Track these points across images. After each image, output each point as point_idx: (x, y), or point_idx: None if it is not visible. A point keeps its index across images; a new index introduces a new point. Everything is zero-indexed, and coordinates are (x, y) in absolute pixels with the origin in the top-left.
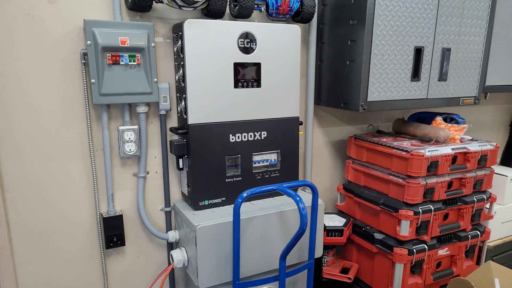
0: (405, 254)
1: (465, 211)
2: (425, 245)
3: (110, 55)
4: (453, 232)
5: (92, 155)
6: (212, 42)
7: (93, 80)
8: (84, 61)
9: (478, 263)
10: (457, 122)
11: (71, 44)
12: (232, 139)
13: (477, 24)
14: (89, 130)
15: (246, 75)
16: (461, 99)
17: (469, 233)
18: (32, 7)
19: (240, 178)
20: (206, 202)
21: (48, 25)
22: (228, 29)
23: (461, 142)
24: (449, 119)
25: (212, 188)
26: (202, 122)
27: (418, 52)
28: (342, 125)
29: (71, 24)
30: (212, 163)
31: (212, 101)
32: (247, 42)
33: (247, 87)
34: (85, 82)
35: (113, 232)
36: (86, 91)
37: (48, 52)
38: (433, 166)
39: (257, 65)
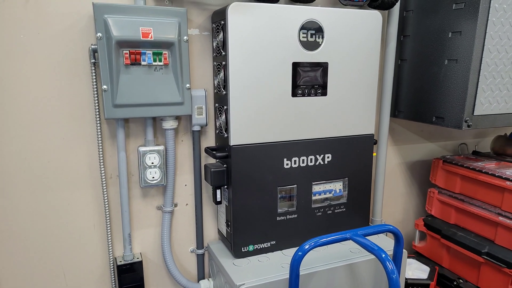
0: None
1: None
2: None
3: (128, 52)
4: None
5: (104, 184)
6: (264, 34)
7: (104, 87)
8: (93, 61)
9: None
10: None
11: (78, 38)
12: (287, 164)
13: None
14: (101, 152)
15: (309, 80)
16: None
17: None
18: None
19: (295, 216)
20: (251, 248)
21: (47, 12)
22: (286, 17)
23: None
24: None
25: (259, 228)
26: (248, 142)
27: None
28: (421, 142)
29: (77, 10)
30: (260, 196)
31: (263, 114)
32: (312, 35)
33: (309, 95)
34: (95, 89)
35: (130, 283)
36: (96, 101)
37: (48, 47)
38: None
39: (324, 66)
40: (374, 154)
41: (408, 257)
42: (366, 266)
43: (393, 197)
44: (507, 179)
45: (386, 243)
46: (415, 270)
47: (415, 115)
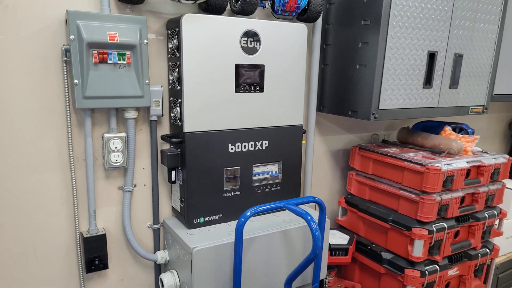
0: (418, 277)
1: (476, 228)
2: (437, 266)
3: (96, 52)
4: (464, 251)
5: (72, 167)
6: (212, 41)
7: (76, 81)
8: (65, 59)
9: (485, 282)
10: (467, 133)
11: (50, 39)
12: (232, 149)
13: (488, 29)
14: (70, 138)
15: (249, 78)
16: (470, 108)
17: (479, 251)
18: None
19: (239, 193)
20: (202, 220)
21: (24, 16)
22: (231, 26)
23: (473, 154)
24: (459, 129)
25: (209, 203)
26: (199, 130)
27: (432, 57)
28: (342, 134)
29: (51, 15)
30: (209, 176)
31: (211, 106)
32: (251, 42)
33: (249, 91)
34: (66, 83)
35: (95, 253)
36: (67, 93)
37: (24, 47)
38: (448, 181)
39: (261, 68)
40: (304, 141)
41: (333, 229)
42: (297, 232)
43: (321, 180)
44: (405, 160)
45: (313, 214)
46: (338, 238)
47: (336, 110)
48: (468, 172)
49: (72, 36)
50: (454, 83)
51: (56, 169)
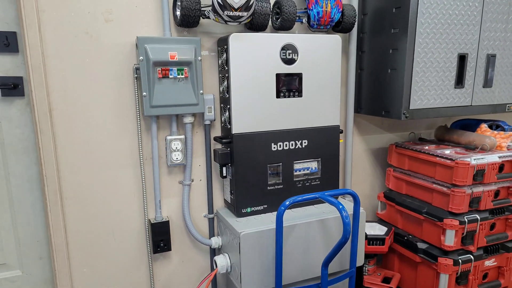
0: (450, 265)
1: None
2: (471, 256)
3: (160, 69)
4: (501, 243)
5: (142, 164)
6: (255, 54)
7: (144, 93)
8: (136, 75)
9: None
10: (503, 129)
11: (124, 60)
12: (274, 148)
13: None
14: (140, 140)
15: (288, 85)
16: (507, 105)
17: None
18: (90, 26)
19: (282, 186)
20: (249, 209)
21: (104, 43)
22: (271, 42)
23: (508, 149)
24: (495, 126)
25: (255, 195)
26: (245, 131)
27: (462, 59)
28: (382, 133)
29: (124, 40)
30: (255, 171)
31: (255, 111)
32: (289, 54)
33: (288, 97)
34: (136, 95)
35: (160, 237)
36: (137, 104)
37: (104, 67)
38: (479, 175)
39: (299, 76)
40: (341, 140)
41: (373, 221)
42: (333, 222)
43: (362, 177)
44: (437, 156)
45: (348, 206)
46: (377, 230)
47: (371, 110)
48: (502, 166)
49: (141, 57)
50: (487, 82)
51: (128, 166)
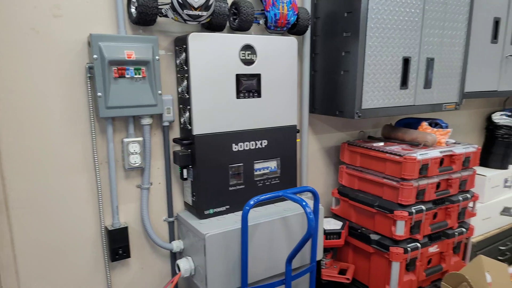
0: (401, 253)
1: (452, 210)
2: (418, 244)
3: (116, 68)
4: (442, 230)
5: (97, 168)
6: (215, 55)
7: (99, 94)
8: (89, 75)
9: (463, 258)
10: (441, 127)
11: (75, 58)
12: (235, 148)
13: (456, 35)
14: (94, 143)
15: (247, 86)
16: (444, 105)
17: (456, 230)
18: (37, 21)
19: (243, 186)
20: (211, 211)
21: (52, 40)
22: (231, 42)
23: (446, 145)
24: (434, 123)
25: (217, 196)
26: (206, 132)
27: (406, 62)
28: (334, 132)
29: (75, 38)
30: (216, 172)
31: (216, 112)
32: (248, 54)
33: (248, 97)
34: (90, 96)
35: (118, 244)
36: (91, 105)
37: (53, 66)
38: (424, 169)
39: (258, 76)
40: (298, 140)
41: (328, 217)
42: (295, 219)
43: (316, 175)
44: (387, 152)
45: (308, 202)
46: (333, 225)
47: (325, 110)
48: (442, 160)
49: (95, 56)
50: (427, 83)
51: (82, 171)
